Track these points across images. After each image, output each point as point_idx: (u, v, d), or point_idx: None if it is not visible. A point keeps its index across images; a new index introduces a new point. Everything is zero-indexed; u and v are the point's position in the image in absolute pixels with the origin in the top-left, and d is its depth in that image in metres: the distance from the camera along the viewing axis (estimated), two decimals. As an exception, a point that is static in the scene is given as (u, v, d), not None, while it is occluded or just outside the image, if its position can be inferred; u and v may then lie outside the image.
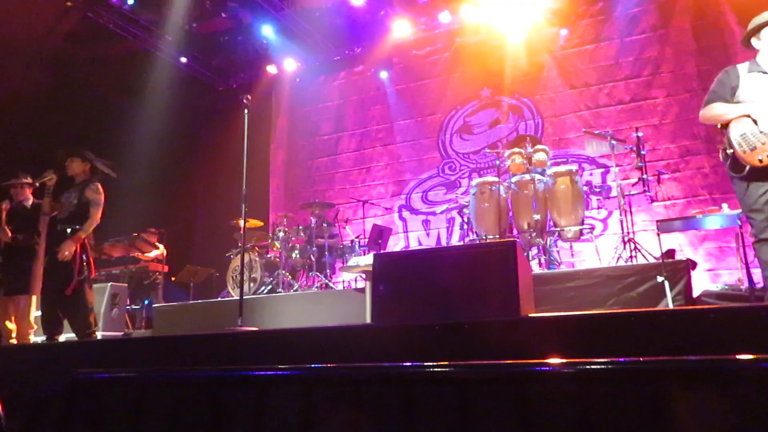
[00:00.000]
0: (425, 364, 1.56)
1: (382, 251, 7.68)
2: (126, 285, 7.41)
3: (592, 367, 1.38)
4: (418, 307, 2.29)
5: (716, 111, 3.54)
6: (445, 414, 1.54)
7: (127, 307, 7.52)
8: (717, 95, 3.59)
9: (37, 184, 5.33)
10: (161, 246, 8.74)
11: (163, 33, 9.73)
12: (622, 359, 1.37)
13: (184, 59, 10.35)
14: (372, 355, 2.06)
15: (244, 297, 4.76)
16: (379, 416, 1.65)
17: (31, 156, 6.53)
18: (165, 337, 2.85)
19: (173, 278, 8.58)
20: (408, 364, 1.58)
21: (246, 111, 4.47)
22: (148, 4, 9.38)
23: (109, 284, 7.06)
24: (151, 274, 8.44)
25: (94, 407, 1.89)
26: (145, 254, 8.56)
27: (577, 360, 1.40)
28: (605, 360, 1.37)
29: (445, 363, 1.56)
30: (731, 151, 3.41)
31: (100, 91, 9.76)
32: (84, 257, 4.98)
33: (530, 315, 2.13)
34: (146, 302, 8.22)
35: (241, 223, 7.76)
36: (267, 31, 9.89)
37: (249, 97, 4.53)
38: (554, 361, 1.45)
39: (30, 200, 5.81)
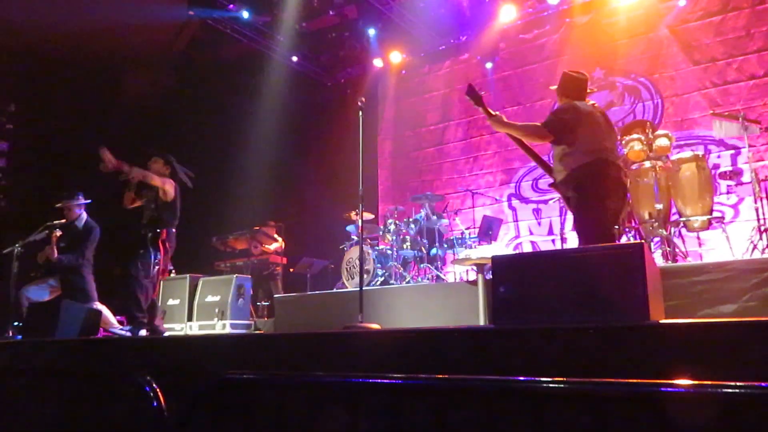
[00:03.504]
0: (541, 379, 1.58)
1: (493, 242, 7.62)
2: (249, 276, 7.88)
3: (728, 390, 1.33)
4: (540, 310, 2.28)
5: None
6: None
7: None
8: None
9: (121, 178, 5.38)
10: (280, 239, 9.20)
11: (275, 34, 10.19)
12: (764, 383, 1.31)
13: (294, 58, 10.78)
14: (494, 359, 2.08)
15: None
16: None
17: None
18: (293, 335, 3.04)
19: (291, 270, 9.01)
20: (530, 379, 1.60)
21: (360, 113, 4.55)
22: (261, 7, 9.85)
23: (235, 276, 7.54)
24: (271, 266, 8.92)
25: (242, 406, 2.07)
26: (266, 246, 9.05)
27: (712, 382, 1.36)
28: (744, 384, 1.32)
29: (561, 379, 1.57)
30: None
31: (218, 93, 10.41)
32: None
33: (660, 321, 2.06)
34: None
35: (353, 215, 8.08)
36: (372, 25, 10.04)
37: (363, 99, 4.58)
38: (684, 382, 1.41)
39: (83, 220, 6.01)
